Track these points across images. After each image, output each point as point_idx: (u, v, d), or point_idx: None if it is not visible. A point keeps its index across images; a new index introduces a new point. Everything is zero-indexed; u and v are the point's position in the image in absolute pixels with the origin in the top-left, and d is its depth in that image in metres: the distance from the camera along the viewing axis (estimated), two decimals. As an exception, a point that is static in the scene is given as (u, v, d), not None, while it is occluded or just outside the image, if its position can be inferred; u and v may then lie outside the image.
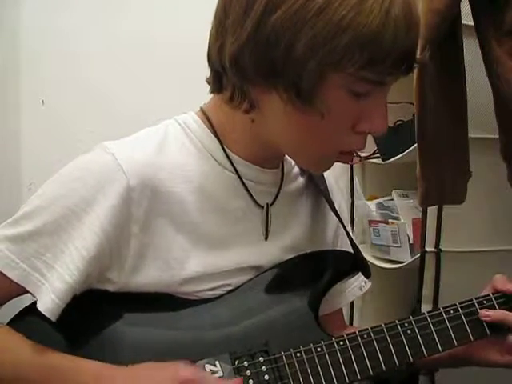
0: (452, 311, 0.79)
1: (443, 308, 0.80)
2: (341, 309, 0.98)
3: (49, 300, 0.70)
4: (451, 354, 0.82)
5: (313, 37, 0.64)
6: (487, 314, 0.80)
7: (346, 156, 0.76)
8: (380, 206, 1.71)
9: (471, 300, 0.81)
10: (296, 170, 0.89)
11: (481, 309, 0.80)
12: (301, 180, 0.89)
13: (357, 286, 0.94)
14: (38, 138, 1.75)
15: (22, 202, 0.75)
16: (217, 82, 0.76)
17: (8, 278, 0.71)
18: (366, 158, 1.74)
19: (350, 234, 0.91)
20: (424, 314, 0.79)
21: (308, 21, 0.64)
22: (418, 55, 0.70)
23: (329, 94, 0.68)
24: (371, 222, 1.71)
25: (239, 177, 0.79)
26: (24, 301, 0.76)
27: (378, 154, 1.71)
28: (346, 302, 0.96)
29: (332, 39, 0.64)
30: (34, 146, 1.75)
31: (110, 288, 0.74)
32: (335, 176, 0.99)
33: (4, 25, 1.72)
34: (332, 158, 0.77)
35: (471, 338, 0.79)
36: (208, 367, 0.72)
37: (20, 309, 0.77)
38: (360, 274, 0.90)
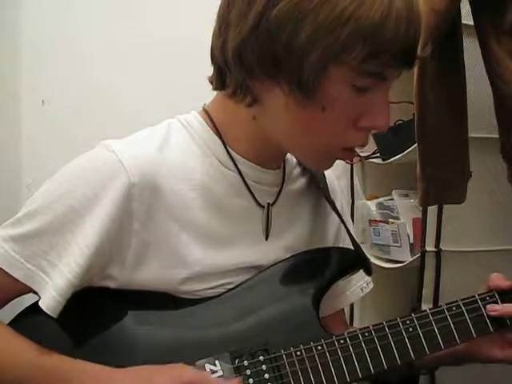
0: (454, 308, 0.78)
1: (445, 305, 0.78)
2: (342, 310, 0.98)
3: (50, 297, 0.70)
4: (453, 352, 0.80)
5: (314, 29, 0.65)
6: (495, 309, 0.78)
7: (348, 153, 0.76)
8: (380, 206, 1.71)
9: (473, 297, 0.79)
10: (297, 170, 0.88)
11: (484, 305, 0.79)
12: (302, 181, 0.88)
13: (359, 286, 0.94)
14: (38, 138, 1.75)
15: (22, 202, 0.75)
16: (219, 78, 0.76)
17: (13, 278, 0.71)
18: (366, 157, 1.74)
19: (351, 232, 0.91)
20: (426, 311, 0.78)
21: (310, 12, 0.64)
22: (419, 51, 0.69)
23: (330, 87, 0.68)
24: (371, 222, 1.71)
25: (241, 176, 0.79)
26: (24, 301, 0.76)
27: (378, 154, 1.71)
28: (348, 303, 0.96)
29: (333, 31, 0.64)
30: (34, 146, 1.75)
31: (111, 285, 0.74)
32: (335, 176, 0.98)
33: (4, 25, 1.72)
34: (334, 154, 0.76)
35: (474, 335, 0.78)
36: (208, 366, 0.71)
37: (18, 309, 0.77)
38: (363, 274, 0.89)
